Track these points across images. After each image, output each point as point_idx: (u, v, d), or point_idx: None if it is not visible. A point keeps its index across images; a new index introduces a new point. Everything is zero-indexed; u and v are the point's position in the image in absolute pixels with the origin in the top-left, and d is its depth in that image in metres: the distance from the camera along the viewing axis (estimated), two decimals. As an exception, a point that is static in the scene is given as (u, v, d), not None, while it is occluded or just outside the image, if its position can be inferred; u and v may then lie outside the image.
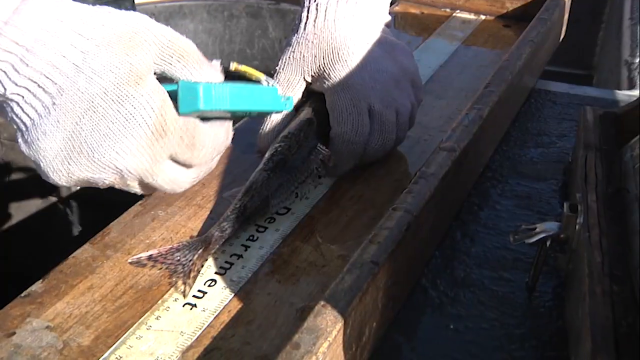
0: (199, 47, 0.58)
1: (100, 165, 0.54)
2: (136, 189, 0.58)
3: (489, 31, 1.12)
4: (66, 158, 0.54)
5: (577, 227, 0.58)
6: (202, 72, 0.57)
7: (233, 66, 0.62)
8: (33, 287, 0.58)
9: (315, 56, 0.71)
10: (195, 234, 0.64)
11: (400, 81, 0.72)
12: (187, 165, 0.58)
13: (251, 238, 0.64)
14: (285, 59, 0.73)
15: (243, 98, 0.60)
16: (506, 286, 0.64)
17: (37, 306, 0.56)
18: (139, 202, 0.67)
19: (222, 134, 0.60)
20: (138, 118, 0.53)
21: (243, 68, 0.63)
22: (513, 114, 0.93)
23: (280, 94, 0.68)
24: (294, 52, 0.72)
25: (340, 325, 0.47)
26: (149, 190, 0.59)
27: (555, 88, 1.03)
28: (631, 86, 1.18)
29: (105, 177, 0.55)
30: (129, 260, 0.60)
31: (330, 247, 0.63)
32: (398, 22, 1.17)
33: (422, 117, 0.82)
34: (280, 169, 0.66)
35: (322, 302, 0.48)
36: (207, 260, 0.60)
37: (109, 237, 0.64)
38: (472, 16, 1.17)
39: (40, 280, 0.58)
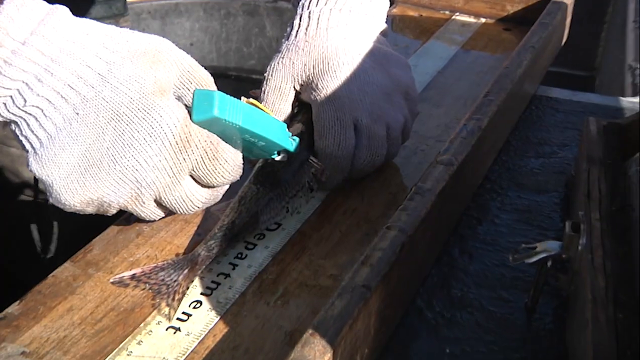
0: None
1: (121, 178, 0.54)
2: (149, 210, 0.58)
3: (489, 35, 1.10)
4: (83, 173, 0.54)
5: (579, 247, 0.56)
6: None
7: (243, 100, 0.61)
8: (9, 309, 0.55)
9: (305, 64, 0.69)
10: (181, 251, 0.62)
11: (392, 94, 0.70)
12: (206, 183, 0.60)
13: (239, 256, 0.62)
14: (274, 65, 0.71)
15: (255, 120, 0.60)
16: (505, 307, 0.62)
17: (12, 330, 0.53)
18: (123, 216, 0.65)
19: (239, 156, 0.61)
20: (164, 126, 0.54)
21: (255, 102, 0.62)
22: (513, 122, 0.91)
23: (269, 105, 0.66)
24: (283, 58, 0.70)
25: (329, 355, 0.45)
26: (160, 213, 0.60)
27: (557, 95, 1.00)
28: (635, 93, 1.16)
29: (121, 195, 0.55)
30: (111, 280, 0.58)
31: (321, 265, 0.61)
32: (396, 24, 1.14)
33: (419, 127, 0.80)
34: (270, 183, 0.64)
35: (310, 331, 0.46)
36: (192, 281, 0.58)
37: (91, 254, 0.61)
38: (471, 19, 1.15)
39: (18, 301, 0.56)
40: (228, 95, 0.58)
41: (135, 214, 0.60)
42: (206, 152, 0.57)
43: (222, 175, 0.60)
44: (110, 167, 0.54)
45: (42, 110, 0.52)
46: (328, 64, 0.68)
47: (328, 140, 0.66)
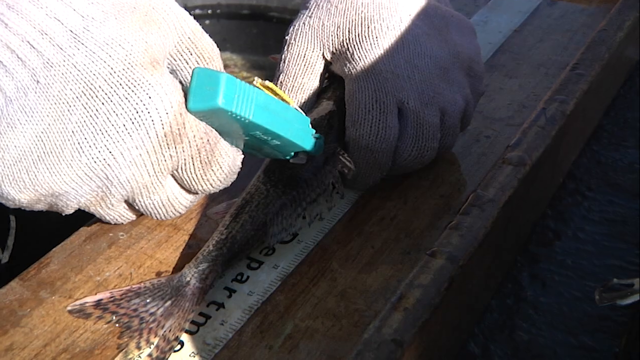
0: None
1: (86, 173, 0.51)
2: (116, 213, 0.56)
3: (583, -18, 1.05)
4: (36, 162, 0.50)
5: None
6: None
7: (257, 82, 0.57)
8: None
9: (339, 27, 0.65)
10: (165, 269, 0.58)
11: (450, 69, 0.66)
12: (187, 188, 0.57)
13: (238, 278, 0.57)
14: (299, 26, 0.67)
15: (270, 113, 0.55)
16: (587, 358, 0.58)
17: None
18: (96, 218, 0.60)
19: (238, 160, 0.59)
20: (152, 111, 0.51)
21: (271, 86, 0.57)
22: (608, 100, 0.87)
23: (289, 78, 0.62)
24: (310, 17, 0.66)
25: None
26: (130, 216, 0.58)
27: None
28: None
29: (84, 193, 0.52)
30: (69, 308, 0.54)
31: (345, 294, 0.56)
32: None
33: (485, 104, 0.76)
34: (285, 183, 0.60)
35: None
36: (181, 326, 0.52)
37: (47, 270, 0.57)
38: (560, -40, 1.08)
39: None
40: (237, 79, 0.53)
41: (97, 215, 0.56)
42: (199, 153, 0.54)
43: (209, 184, 0.57)
44: (74, 158, 0.50)
45: None
46: (368, 27, 0.64)
47: (363, 128, 0.62)
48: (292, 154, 0.59)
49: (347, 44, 0.64)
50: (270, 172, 0.60)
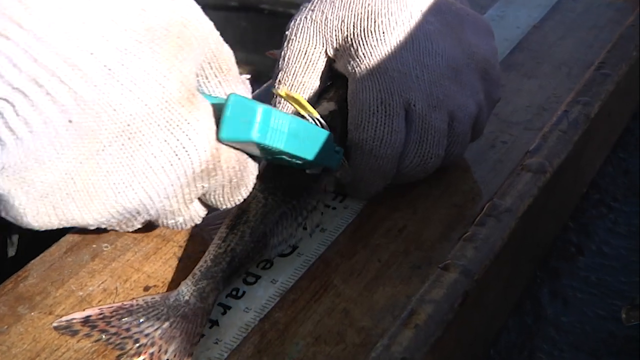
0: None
1: (118, 210, 0.52)
2: (131, 228, 0.56)
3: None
4: (64, 198, 0.50)
5: None
6: (238, 92, 0.56)
7: (282, 91, 0.59)
8: None
9: (343, 21, 0.66)
10: (153, 283, 0.59)
11: (463, 71, 0.66)
12: (214, 205, 0.58)
13: (234, 293, 0.58)
14: (301, 21, 0.67)
15: (300, 139, 0.57)
16: None
17: None
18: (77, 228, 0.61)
19: (256, 172, 0.60)
20: (192, 152, 0.52)
21: (297, 96, 0.60)
22: (636, 103, 0.87)
23: (289, 77, 0.63)
24: (313, 11, 0.67)
25: None
26: (138, 226, 0.57)
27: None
28: None
29: (110, 221, 0.53)
30: (55, 324, 0.54)
31: (350, 312, 0.57)
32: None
33: (502, 107, 0.76)
34: (284, 191, 0.61)
35: None
36: (186, 348, 0.53)
37: (25, 284, 0.58)
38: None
39: None
40: (270, 108, 0.55)
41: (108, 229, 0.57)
42: (230, 180, 0.56)
43: (235, 201, 0.58)
44: (109, 198, 0.51)
45: (14, 107, 0.47)
46: (375, 21, 0.65)
47: (367, 132, 0.63)
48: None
49: (351, 39, 0.65)
50: (268, 179, 0.61)
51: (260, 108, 0.54)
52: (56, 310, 0.56)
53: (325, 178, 0.63)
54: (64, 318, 0.54)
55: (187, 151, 0.51)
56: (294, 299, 0.58)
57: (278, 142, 0.55)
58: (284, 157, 0.58)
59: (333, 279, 0.60)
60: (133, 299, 0.55)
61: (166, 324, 0.53)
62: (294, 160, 0.58)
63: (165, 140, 0.51)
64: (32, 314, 0.56)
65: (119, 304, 0.55)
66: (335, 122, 0.64)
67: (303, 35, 0.67)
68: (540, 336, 0.61)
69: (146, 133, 0.50)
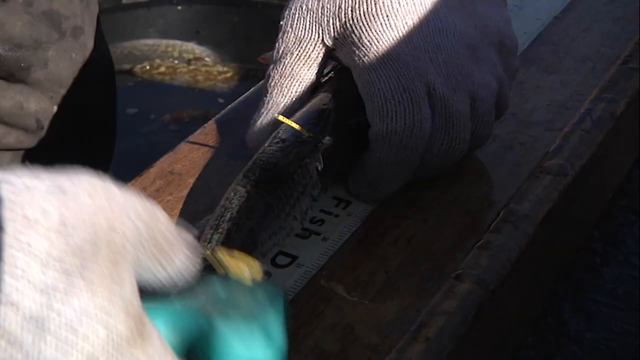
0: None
1: None
2: None
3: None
4: None
5: None
6: (174, 262, 0.48)
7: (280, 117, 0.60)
8: None
9: (340, 7, 0.66)
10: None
11: (479, 47, 0.67)
12: None
13: None
14: (295, 10, 0.69)
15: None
16: None
17: None
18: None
19: None
20: None
21: (291, 124, 0.61)
22: None
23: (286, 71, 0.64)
24: None
25: None
26: None
27: None
28: None
29: None
30: None
31: (354, 327, 0.58)
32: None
33: (519, 105, 0.77)
34: (266, 182, 0.62)
35: None
36: None
37: None
38: None
39: None
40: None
41: None
42: None
43: None
44: None
45: None
46: (376, 4, 0.65)
47: (396, 121, 0.63)
48: None
49: (351, 25, 0.66)
50: (250, 172, 0.62)
51: None
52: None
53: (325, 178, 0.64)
54: None
55: None
56: (293, 314, 0.57)
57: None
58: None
59: (336, 292, 0.61)
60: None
61: None
62: None
63: None
64: None
65: None
66: (329, 114, 0.65)
67: (298, 25, 0.68)
68: (562, 354, 0.62)
69: None
